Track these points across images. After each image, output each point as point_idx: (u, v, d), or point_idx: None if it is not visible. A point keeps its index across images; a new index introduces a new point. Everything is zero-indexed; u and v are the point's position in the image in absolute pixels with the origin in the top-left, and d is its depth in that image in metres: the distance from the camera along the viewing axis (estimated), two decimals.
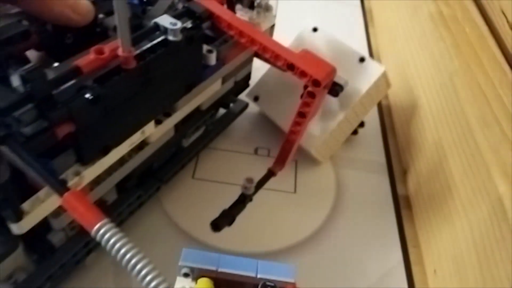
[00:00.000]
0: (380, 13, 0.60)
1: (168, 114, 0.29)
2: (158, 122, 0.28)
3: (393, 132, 0.45)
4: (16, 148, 0.18)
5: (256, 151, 0.41)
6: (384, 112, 0.47)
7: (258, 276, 0.26)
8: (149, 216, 0.35)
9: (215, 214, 0.35)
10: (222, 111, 0.40)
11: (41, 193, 0.21)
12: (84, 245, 0.27)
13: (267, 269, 0.26)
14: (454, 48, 0.35)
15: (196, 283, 0.25)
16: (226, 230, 0.34)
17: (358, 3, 0.65)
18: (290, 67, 0.26)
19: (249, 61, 0.37)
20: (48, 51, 0.25)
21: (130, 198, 0.30)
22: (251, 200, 0.30)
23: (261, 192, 0.37)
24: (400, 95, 0.44)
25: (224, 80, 0.33)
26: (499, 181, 0.26)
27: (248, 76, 0.39)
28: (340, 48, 0.37)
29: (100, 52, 0.21)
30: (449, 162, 0.32)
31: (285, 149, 0.31)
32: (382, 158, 0.42)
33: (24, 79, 0.19)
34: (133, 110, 0.25)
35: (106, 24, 0.26)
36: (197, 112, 0.33)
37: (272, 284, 0.25)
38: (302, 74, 0.26)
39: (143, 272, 0.17)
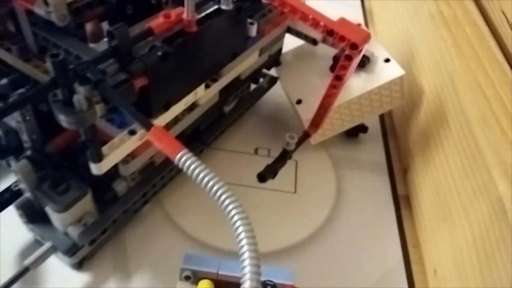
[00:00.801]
0: (380, 13, 0.60)
1: (215, 80, 0.32)
2: (207, 86, 0.31)
3: (394, 132, 0.45)
4: (110, 91, 0.22)
5: (256, 151, 0.41)
6: (385, 112, 0.47)
7: None
8: (149, 216, 0.35)
9: (216, 214, 0.35)
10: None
11: (115, 140, 0.25)
12: (142, 195, 0.32)
13: (266, 272, 0.27)
14: (455, 48, 0.35)
15: (197, 285, 0.25)
16: (227, 230, 0.34)
17: (359, 3, 0.65)
18: (330, 32, 0.29)
19: (282, 36, 0.39)
20: (110, 21, 0.28)
21: None
22: (290, 157, 0.31)
23: (261, 192, 0.37)
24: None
25: (261, 52, 0.37)
26: (499, 181, 0.26)
27: (279, 52, 0.41)
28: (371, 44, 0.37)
29: (167, 16, 0.25)
30: (449, 162, 0.32)
31: (319, 113, 0.34)
32: (382, 158, 0.42)
33: (111, 35, 0.22)
34: (191, 71, 0.29)
35: None
36: (237, 81, 0.36)
37: (272, 283, 0.26)
38: (341, 38, 0.29)
39: (219, 192, 0.20)
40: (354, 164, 0.41)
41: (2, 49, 0.26)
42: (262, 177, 0.31)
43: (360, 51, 0.29)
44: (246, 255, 0.19)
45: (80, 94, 0.21)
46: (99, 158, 0.24)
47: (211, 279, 0.26)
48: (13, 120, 0.26)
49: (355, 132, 0.42)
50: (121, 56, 0.23)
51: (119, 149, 0.25)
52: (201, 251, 0.33)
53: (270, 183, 0.38)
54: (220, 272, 0.26)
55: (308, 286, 0.28)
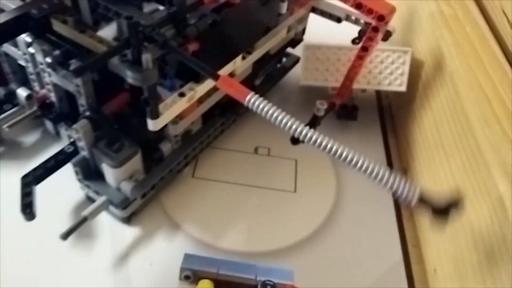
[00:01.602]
0: None
1: (249, 53, 0.35)
2: (243, 58, 0.34)
3: (394, 131, 0.45)
4: (176, 49, 0.25)
5: (256, 150, 0.41)
6: (385, 111, 0.47)
7: (258, 278, 0.26)
8: (149, 215, 0.35)
9: (215, 213, 0.35)
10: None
11: (168, 101, 0.28)
12: (184, 157, 0.35)
13: (266, 272, 0.27)
14: (455, 47, 0.35)
15: (197, 284, 0.25)
16: (226, 230, 0.34)
17: None
18: (358, 6, 0.31)
19: (306, 16, 0.42)
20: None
21: (215, 124, 0.37)
22: (319, 124, 0.32)
23: (261, 192, 0.37)
24: (400, 94, 0.44)
25: (288, 30, 0.39)
26: (499, 180, 0.26)
27: (303, 31, 0.44)
28: None
29: None
30: (449, 161, 0.32)
31: (345, 84, 0.37)
32: (382, 157, 0.42)
33: (170, 2, 0.26)
34: (232, 40, 0.32)
35: None
36: (266, 56, 0.39)
37: (272, 283, 0.26)
38: (369, 11, 0.31)
39: (287, 122, 0.23)
40: None
41: (58, 21, 0.29)
42: (296, 140, 0.31)
43: (387, 22, 0.31)
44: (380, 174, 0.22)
45: (148, 53, 0.24)
46: (157, 114, 0.27)
47: (211, 279, 0.26)
48: (72, 85, 0.30)
49: (353, 115, 0.43)
50: (177, 22, 0.26)
51: (172, 109, 0.28)
52: (202, 250, 0.33)
53: (270, 182, 0.38)
54: (219, 272, 0.26)
55: (308, 286, 0.28)
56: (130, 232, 0.34)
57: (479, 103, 0.30)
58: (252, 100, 0.23)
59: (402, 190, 0.22)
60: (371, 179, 0.22)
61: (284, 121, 0.23)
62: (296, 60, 0.46)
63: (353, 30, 0.37)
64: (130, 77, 0.25)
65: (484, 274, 0.26)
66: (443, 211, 0.22)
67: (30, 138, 0.39)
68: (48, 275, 0.31)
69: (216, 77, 0.24)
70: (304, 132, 0.23)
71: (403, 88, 0.40)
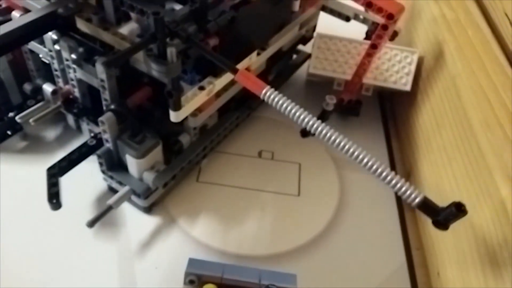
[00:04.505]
0: None
1: (264, 49, 0.36)
2: (258, 54, 0.35)
3: (397, 134, 0.45)
4: (199, 43, 0.26)
5: (260, 154, 0.41)
6: (388, 115, 0.47)
7: (261, 282, 0.27)
8: (154, 218, 0.35)
9: (219, 216, 0.36)
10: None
11: (189, 94, 0.30)
12: (203, 149, 0.37)
13: (269, 276, 0.27)
14: (457, 51, 0.35)
15: None
16: (230, 233, 0.35)
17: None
18: (369, 4, 0.33)
19: (317, 14, 0.44)
20: None
21: (231, 117, 0.39)
22: (328, 118, 0.33)
23: (265, 195, 0.38)
24: (403, 98, 0.44)
25: (300, 27, 0.41)
26: (501, 184, 0.26)
27: (314, 28, 0.46)
28: None
29: None
30: (452, 165, 0.32)
31: (354, 80, 0.39)
32: (385, 161, 0.42)
33: (192, 0, 0.27)
34: (249, 36, 0.33)
35: None
36: (279, 53, 0.40)
37: (275, 287, 0.26)
38: (379, 10, 0.33)
39: (300, 115, 0.24)
40: (357, 167, 0.41)
41: (82, 19, 0.30)
42: (305, 133, 0.32)
43: (396, 21, 0.33)
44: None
45: (173, 47, 0.25)
46: (179, 106, 0.28)
47: (215, 283, 0.26)
48: (96, 80, 0.31)
49: (355, 111, 0.43)
50: (199, 18, 0.28)
51: (192, 101, 0.29)
52: (206, 254, 0.33)
53: (273, 186, 0.38)
54: (224, 276, 0.27)
55: None
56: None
57: (481, 106, 0.30)
58: (268, 93, 0.25)
59: (406, 189, 0.22)
60: (375, 176, 0.23)
61: (298, 114, 0.24)
62: (306, 56, 0.47)
63: (364, 29, 0.38)
64: (155, 69, 0.26)
65: (486, 277, 0.26)
66: (444, 221, 0.23)
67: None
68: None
69: (235, 71, 0.25)
70: (315, 125, 0.24)
71: (407, 88, 0.40)
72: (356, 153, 0.23)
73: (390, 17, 0.32)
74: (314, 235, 0.35)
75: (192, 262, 0.27)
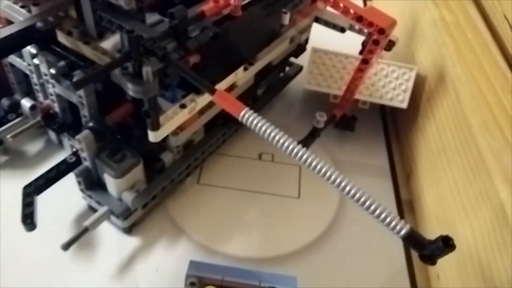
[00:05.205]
0: None
1: (251, 63, 0.35)
2: (245, 69, 0.34)
3: (397, 137, 0.45)
4: (175, 62, 0.25)
5: (260, 157, 0.41)
6: (388, 118, 0.47)
7: (262, 285, 0.27)
8: (154, 221, 0.35)
9: (220, 219, 0.36)
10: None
11: (169, 112, 0.28)
12: (186, 167, 0.35)
13: (270, 278, 0.27)
14: (457, 54, 0.35)
15: None
16: (231, 236, 0.35)
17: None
18: (359, 19, 0.31)
19: (310, 26, 0.42)
20: (160, 10, 0.32)
21: (217, 134, 0.37)
22: (319, 135, 0.32)
23: (265, 197, 0.38)
24: None
25: (291, 40, 0.39)
26: (500, 187, 0.26)
27: (306, 41, 0.44)
28: None
29: (216, 1, 0.28)
30: (451, 168, 0.32)
31: (345, 96, 0.37)
32: (385, 163, 0.42)
33: (172, 15, 0.26)
34: (234, 52, 0.32)
35: None
36: (269, 67, 0.39)
37: None
38: (370, 24, 0.31)
39: (279, 139, 0.23)
40: (357, 169, 0.41)
41: (63, 32, 0.29)
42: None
43: (387, 36, 0.31)
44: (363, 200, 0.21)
45: (148, 66, 0.24)
46: (157, 126, 0.27)
47: (216, 286, 0.26)
48: (75, 96, 0.30)
49: (350, 126, 0.42)
50: (178, 35, 0.26)
51: (172, 120, 0.28)
52: (207, 257, 0.33)
53: (274, 188, 0.38)
54: (224, 279, 0.27)
55: None
56: (134, 241, 0.34)
57: (481, 109, 0.30)
58: (246, 115, 0.23)
59: (391, 220, 0.21)
60: (357, 204, 0.22)
61: (277, 138, 0.23)
62: (299, 69, 0.46)
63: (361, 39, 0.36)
64: (131, 89, 0.25)
65: (486, 280, 0.26)
66: (430, 256, 0.21)
67: (34, 147, 0.39)
68: (49, 286, 0.30)
69: (212, 91, 0.24)
70: (295, 151, 0.23)
71: (404, 105, 0.39)
72: (338, 181, 0.22)
73: (381, 32, 0.31)
74: (314, 237, 0.35)
75: (193, 264, 0.28)
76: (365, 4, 0.66)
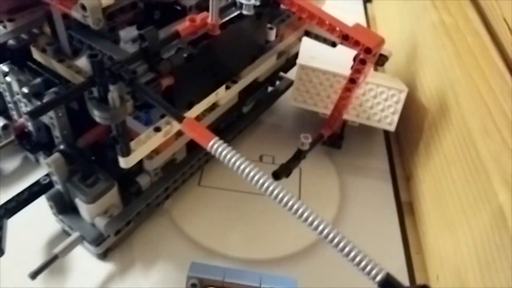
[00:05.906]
0: (382, 20, 0.60)
1: (235, 81, 0.33)
2: (227, 88, 0.32)
3: (397, 139, 0.45)
4: (143, 87, 0.23)
5: (261, 159, 0.41)
6: None
7: (262, 286, 0.27)
8: (156, 222, 0.35)
9: (221, 220, 0.36)
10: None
11: (142, 136, 0.27)
12: (164, 190, 0.33)
13: (270, 280, 0.28)
14: (456, 57, 0.35)
15: None
16: (232, 237, 0.34)
17: (362, 11, 0.65)
18: (345, 37, 0.30)
19: (298, 41, 0.41)
20: (139, 26, 0.30)
21: (199, 154, 0.35)
22: (304, 157, 0.31)
23: (265, 199, 0.36)
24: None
25: (278, 56, 0.38)
26: (499, 189, 0.26)
27: (296, 55, 0.42)
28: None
29: (193, 20, 0.27)
30: (451, 170, 0.32)
31: (333, 115, 0.36)
32: (385, 165, 0.42)
33: (142, 37, 0.24)
34: (213, 72, 0.30)
35: (184, 4, 0.31)
36: (255, 83, 0.37)
37: None
38: (356, 43, 0.29)
39: (249, 172, 0.21)
40: (357, 171, 0.41)
41: (37, 49, 0.28)
42: (277, 175, 0.31)
43: (374, 55, 0.30)
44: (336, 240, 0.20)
45: (114, 91, 0.23)
46: (127, 152, 0.26)
47: (217, 287, 0.27)
48: (46, 116, 0.28)
49: (338, 144, 0.42)
50: (150, 57, 0.25)
51: (145, 145, 0.27)
52: (208, 258, 0.33)
53: None
54: (225, 280, 0.27)
55: None
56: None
57: (480, 112, 0.30)
58: (215, 146, 0.22)
59: (366, 264, 0.19)
60: (331, 245, 0.20)
61: (247, 171, 0.21)
62: (290, 83, 0.44)
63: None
64: (96, 115, 0.23)
65: (485, 281, 0.26)
66: None
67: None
68: None
69: (180, 119, 0.23)
70: (266, 185, 0.21)
71: (392, 128, 0.38)
72: (310, 219, 0.20)
73: (368, 51, 0.29)
74: (315, 239, 0.35)
75: (194, 265, 0.28)
76: (365, 5, 0.65)
